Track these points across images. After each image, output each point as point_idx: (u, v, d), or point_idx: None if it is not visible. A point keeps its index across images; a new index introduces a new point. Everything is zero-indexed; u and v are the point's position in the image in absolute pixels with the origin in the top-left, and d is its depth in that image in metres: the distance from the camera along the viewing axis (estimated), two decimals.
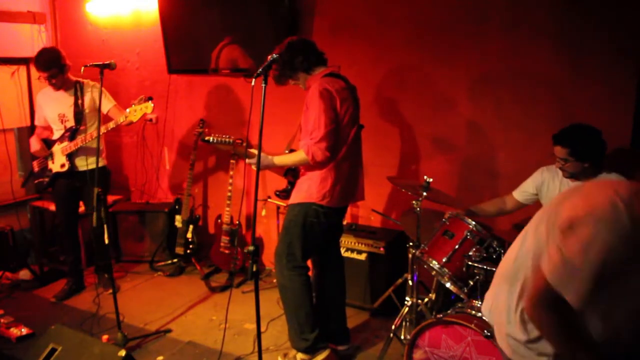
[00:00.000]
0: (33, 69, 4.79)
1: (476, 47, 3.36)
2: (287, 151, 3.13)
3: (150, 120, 4.79)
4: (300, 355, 2.98)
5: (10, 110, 4.63)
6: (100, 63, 3.09)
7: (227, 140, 3.01)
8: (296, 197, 2.93)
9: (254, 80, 2.28)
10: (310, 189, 2.85)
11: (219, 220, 4.23)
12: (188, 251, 4.37)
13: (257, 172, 2.37)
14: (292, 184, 3.07)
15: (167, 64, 4.41)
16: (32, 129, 4.84)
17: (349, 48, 3.73)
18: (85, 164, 3.80)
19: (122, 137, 5.07)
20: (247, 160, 2.88)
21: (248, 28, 3.97)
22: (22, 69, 4.74)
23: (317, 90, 2.72)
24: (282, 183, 3.28)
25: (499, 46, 3.30)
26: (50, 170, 3.84)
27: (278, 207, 4.07)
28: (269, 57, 2.34)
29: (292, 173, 3.10)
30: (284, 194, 3.15)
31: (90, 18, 4.86)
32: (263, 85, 2.29)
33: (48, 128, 3.92)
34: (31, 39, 4.83)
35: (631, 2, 2.91)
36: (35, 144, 3.82)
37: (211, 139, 3.04)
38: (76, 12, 4.92)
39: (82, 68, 3.11)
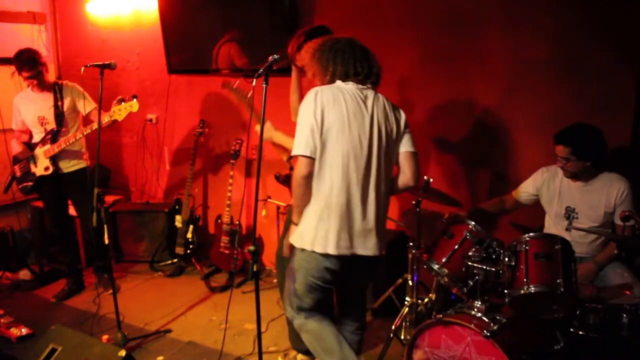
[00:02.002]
0: None
1: (476, 47, 3.36)
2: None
3: (150, 120, 4.82)
4: (300, 356, 2.98)
5: (10, 110, 4.59)
6: (101, 63, 3.09)
7: (245, 94, 2.93)
8: None
9: (254, 80, 2.28)
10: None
11: (219, 221, 4.23)
12: (188, 251, 4.37)
13: (257, 172, 2.37)
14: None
15: (167, 64, 4.41)
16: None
17: None
18: (68, 165, 3.80)
19: (122, 137, 5.08)
20: (257, 127, 2.81)
21: (248, 28, 3.96)
22: None
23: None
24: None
25: (498, 46, 3.30)
26: (34, 174, 3.80)
27: (278, 207, 4.07)
28: (270, 57, 2.34)
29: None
30: (284, 178, 3.13)
31: (90, 18, 4.86)
32: (264, 85, 2.28)
33: (26, 132, 3.88)
34: (31, 39, 4.83)
35: (631, 1, 2.92)
36: (17, 147, 3.78)
37: (234, 87, 2.93)
38: (76, 12, 4.92)
39: (82, 68, 3.11)
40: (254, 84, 2.27)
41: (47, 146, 3.72)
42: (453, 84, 3.48)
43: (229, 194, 4.11)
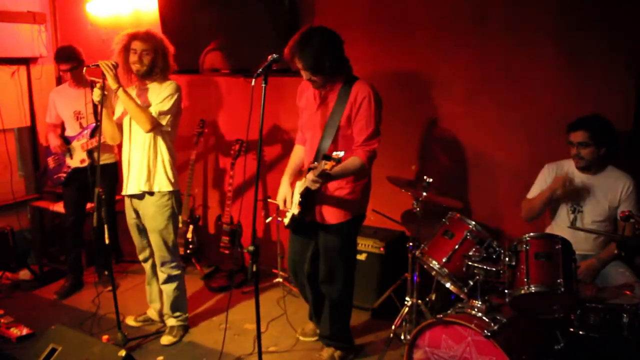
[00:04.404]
0: (33, 69, 4.80)
1: (476, 46, 3.36)
2: (315, 163, 2.62)
3: None
4: (337, 353, 3.06)
5: (10, 110, 4.63)
6: None
7: None
8: (340, 215, 2.81)
9: (253, 80, 2.28)
10: (353, 203, 2.84)
11: (219, 221, 4.23)
12: (188, 251, 4.36)
13: (257, 172, 2.36)
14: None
15: None
16: (32, 129, 4.85)
17: (349, 48, 3.70)
18: (101, 158, 3.81)
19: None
20: (309, 176, 2.55)
21: (248, 28, 3.96)
22: (22, 69, 4.72)
23: (371, 93, 2.75)
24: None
25: (498, 46, 3.30)
26: (69, 166, 3.89)
27: (278, 207, 4.06)
28: (269, 57, 2.34)
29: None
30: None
31: (90, 18, 4.85)
32: (263, 85, 2.28)
33: (59, 126, 4.00)
34: (31, 39, 4.82)
35: (631, 1, 2.92)
36: (54, 140, 3.89)
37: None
38: (76, 12, 4.91)
39: (84, 68, 3.11)
40: (253, 83, 2.27)
41: (85, 140, 3.81)
42: (453, 83, 3.48)
43: (229, 194, 4.11)
